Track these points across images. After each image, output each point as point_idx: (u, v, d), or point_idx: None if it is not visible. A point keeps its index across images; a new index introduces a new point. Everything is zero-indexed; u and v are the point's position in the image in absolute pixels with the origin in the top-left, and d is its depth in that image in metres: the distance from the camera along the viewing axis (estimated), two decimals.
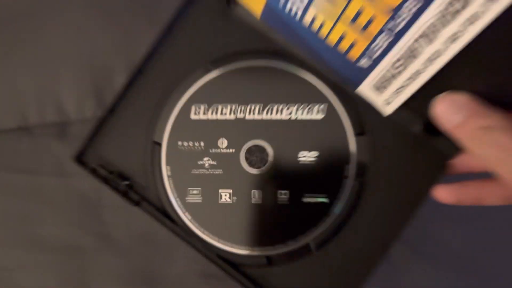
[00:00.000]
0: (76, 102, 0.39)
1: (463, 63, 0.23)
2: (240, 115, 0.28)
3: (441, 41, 0.23)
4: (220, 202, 0.28)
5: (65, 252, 0.36)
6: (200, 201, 0.28)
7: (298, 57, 0.28)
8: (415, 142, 0.27)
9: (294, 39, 0.27)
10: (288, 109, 0.28)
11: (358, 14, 0.24)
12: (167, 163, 0.28)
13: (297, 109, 0.28)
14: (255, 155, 0.28)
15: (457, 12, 0.22)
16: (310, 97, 0.28)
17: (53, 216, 0.37)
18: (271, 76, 0.28)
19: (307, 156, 0.28)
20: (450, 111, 0.24)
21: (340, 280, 0.28)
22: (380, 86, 0.26)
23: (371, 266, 0.27)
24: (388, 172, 0.28)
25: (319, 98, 0.28)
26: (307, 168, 0.28)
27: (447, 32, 0.22)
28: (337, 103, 0.28)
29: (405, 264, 0.35)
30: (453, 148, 0.26)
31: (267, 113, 0.28)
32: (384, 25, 0.23)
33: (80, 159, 0.29)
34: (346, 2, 0.24)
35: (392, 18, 0.23)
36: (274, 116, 0.28)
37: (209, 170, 0.28)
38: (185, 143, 0.28)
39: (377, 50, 0.24)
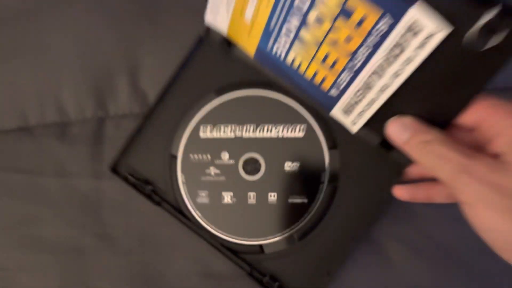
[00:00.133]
0: (77, 103, 0.39)
1: (405, 93, 0.29)
2: (238, 134, 0.36)
3: (388, 77, 0.29)
4: (223, 202, 0.35)
5: (66, 252, 0.36)
6: (207, 201, 0.35)
7: (284, 87, 0.35)
8: (376, 155, 0.34)
9: (280, 74, 0.34)
10: (276, 128, 0.35)
11: (326, 57, 0.30)
12: (182, 172, 0.36)
13: (283, 129, 0.35)
14: (250, 165, 0.35)
15: (397, 55, 0.28)
16: (293, 119, 0.35)
17: (54, 216, 0.37)
18: (262, 103, 0.35)
19: (291, 166, 0.35)
20: (399, 131, 0.29)
21: (318, 264, 0.34)
22: (347, 110, 0.33)
23: (345, 254, 0.34)
24: (356, 178, 0.34)
25: (300, 120, 0.35)
26: (291, 175, 0.35)
27: (391, 70, 0.28)
28: (314, 123, 0.35)
29: (405, 264, 0.35)
30: (406, 159, 0.33)
31: (259, 131, 0.35)
32: (345, 65, 0.30)
33: (114, 169, 0.37)
34: (316, 48, 0.31)
35: (351, 59, 0.29)
36: (265, 134, 0.35)
37: (214, 177, 0.36)
38: (196, 156, 0.36)
39: (342, 83, 0.31)
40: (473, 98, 0.27)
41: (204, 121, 0.36)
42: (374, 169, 0.34)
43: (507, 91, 0.36)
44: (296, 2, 0.28)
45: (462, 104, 0.28)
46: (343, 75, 0.30)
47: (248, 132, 0.35)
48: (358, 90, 0.30)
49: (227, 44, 0.36)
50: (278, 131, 0.35)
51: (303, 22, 0.29)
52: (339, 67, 0.30)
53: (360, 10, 0.27)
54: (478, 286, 0.35)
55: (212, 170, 0.36)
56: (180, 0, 0.39)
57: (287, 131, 0.35)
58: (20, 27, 0.40)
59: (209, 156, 0.36)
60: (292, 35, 0.30)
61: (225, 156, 0.36)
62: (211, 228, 0.35)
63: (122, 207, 0.37)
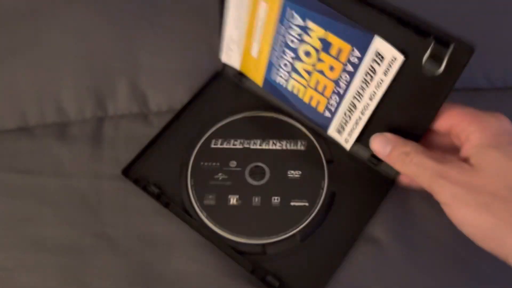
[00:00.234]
0: (76, 103, 0.39)
1: (382, 112, 0.34)
2: (246, 146, 0.40)
3: (366, 99, 0.33)
4: (229, 204, 0.37)
5: (65, 252, 0.36)
6: (214, 203, 0.37)
7: (287, 110, 0.41)
8: (368, 165, 0.39)
9: (284, 100, 0.41)
10: (280, 142, 0.40)
11: (317, 83, 0.37)
12: (191, 177, 0.38)
13: (286, 143, 0.40)
14: (256, 172, 0.39)
15: (369, 81, 0.32)
16: (296, 136, 0.40)
17: (53, 216, 0.36)
18: (269, 122, 0.41)
19: (294, 174, 0.39)
20: (381, 145, 0.33)
21: (318, 264, 0.35)
22: (340, 129, 0.38)
23: (344, 254, 0.36)
24: (351, 185, 0.38)
25: (302, 137, 0.40)
26: (294, 182, 0.38)
27: (367, 93, 0.33)
28: (314, 141, 0.40)
29: (405, 264, 0.35)
30: (393, 169, 0.38)
31: (265, 145, 0.40)
32: (333, 90, 0.36)
33: (126, 173, 0.39)
34: (309, 76, 0.37)
35: (336, 85, 0.35)
36: (270, 147, 0.40)
37: (222, 182, 0.38)
38: (206, 163, 0.39)
39: (332, 106, 0.37)
40: (435, 115, 0.32)
41: (216, 135, 0.40)
42: (366, 178, 0.38)
43: (507, 91, 0.40)
44: (289, 40, 0.35)
45: (428, 120, 0.32)
46: (332, 99, 0.37)
47: (255, 145, 0.40)
48: (345, 112, 0.36)
49: (240, 76, 0.42)
50: (282, 145, 0.40)
51: (296, 56, 0.36)
52: (328, 92, 0.36)
53: (336, 44, 0.32)
54: (478, 286, 0.34)
55: (220, 176, 0.38)
56: (179, 1, 0.44)
57: (290, 145, 0.40)
58: (20, 27, 0.42)
59: (218, 164, 0.39)
60: (289, 67, 0.37)
61: (233, 164, 0.39)
62: (216, 228, 0.36)
63: (122, 207, 0.37)
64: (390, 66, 0.30)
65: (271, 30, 0.36)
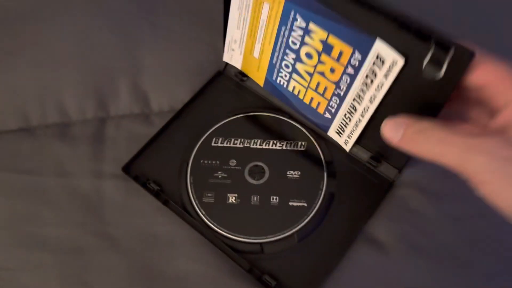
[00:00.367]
0: (77, 103, 0.40)
1: (382, 115, 0.33)
2: (246, 145, 0.40)
3: (366, 101, 0.33)
4: (227, 202, 0.38)
5: (66, 252, 0.36)
6: (212, 201, 0.38)
7: (288, 110, 0.41)
8: (367, 167, 0.39)
9: (284, 100, 0.41)
10: (280, 142, 0.40)
11: (318, 85, 0.37)
12: (191, 174, 0.39)
13: (286, 143, 0.40)
14: (256, 171, 0.39)
15: (370, 83, 0.32)
16: (296, 136, 0.40)
17: (55, 216, 0.37)
18: (270, 122, 0.41)
19: (293, 174, 0.39)
20: (393, 131, 0.28)
21: (315, 264, 0.35)
22: (340, 131, 0.38)
23: (340, 255, 0.36)
24: (350, 188, 0.38)
25: (302, 137, 0.40)
26: (293, 182, 0.38)
27: (367, 95, 0.33)
28: (314, 142, 0.40)
29: (405, 264, 0.35)
30: (393, 173, 0.38)
31: (265, 145, 0.40)
32: (333, 92, 0.36)
33: (126, 169, 0.39)
34: (310, 78, 0.37)
35: (336, 87, 0.35)
36: (270, 146, 0.40)
37: (221, 180, 0.38)
38: (206, 161, 0.39)
39: (333, 108, 0.37)
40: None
41: (217, 134, 0.40)
42: (366, 179, 0.38)
43: None
44: (290, 41, 0.36)
45: None
46: (332, 100, 0.37)
47: (255, 144, 0.40)
48: (345, 114, 0.36)
49: (241, 76, 0.43)
50: (282, 145, 0.40)
51: (297, 57, 0.36)
52: (328, 94, 0.37)
53: (337, 47, 0.32)
54: (478, 286, 0.34)
55: (220, 174, 0.39)
56: (180, 2, 0.44)
57: (290, 145, 0.40)
58: (21, 28, 0.42)
59: (218, 162, 0.39)
60: (290, 68, 0.38)
61: (232, 162, 0.39)
62: (214, 226, 0.37)
63: (123, 206, 0.38)
64: (391, 69, 0.30)
65: (273, 31, 0.36)
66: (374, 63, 0.31)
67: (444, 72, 0.28)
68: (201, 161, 0.39)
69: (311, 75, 0.36)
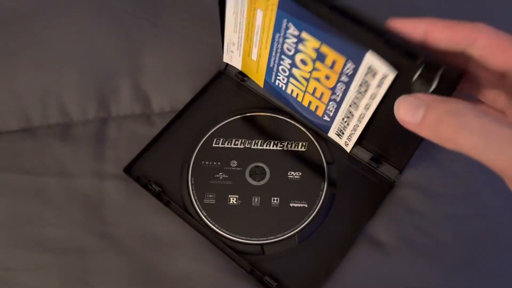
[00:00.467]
0: (79, 104, 0.40)
1: (378, 120, 0.34)
2: (247, 146, 0.40)
3: (362, 108, 0.33)
4: (228, 203, 0.38)
5: (68, 252, 0.36)
6: (214, 202, 0.38)
7: (288, 111, 0.41)
8: (367, 168, 0.39)
9: (284, 102, 0.41)
10: (281, 143, 0.40)
11: (314, 90, 0.36)
12: (192, 175, 0.39)
13: (287, 144, 0.40)
14: (257, 172, 0.39)
15: (364, 92, 0.31)
16: (297, 137, 0.40)
17: (56, 216, 0.37)
18: (270, 122, 0.41)
19: (294, 175, 0.39)
20: (410, 110, 0.23)
21: (316, 266, 0.35)
22: (339, 133, 0.38)
23: (341, 256, 0.36)
24: (351, 188, 0.38)
25: (303, 138, 0.40)
26: (294, 183, 0.38)
27: (363, 103, 0.32)
28: (315, 142, 0.40)
29: (405, 263, 0.35)
30: (394, 173, 0.38)
31: (266, 145, 0.40)
32: (330, 97, 0.35)
33: (128, 171, 0.39)
34: (306, 83, 0.36)
35: (333, 93, 0.35)
36: (271, 147, 0.40)
37: (222, 181, 0.39)
38: (207, 162, 0.39)
39: (331, 112, 0.37)
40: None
41: (217, 134, 0.40)
42: (367, 180, 0.38)
43: None
44: (285, 47, 0.35)
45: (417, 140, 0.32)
46: (330, 105, 0.36)
47: (256, 145, 0.40)
48: (343, 118, 0.36)
49: (242, 76, 0.43)
50: (283, 146, 0.40)
51: (292, 63, 0.36)
52: (325, 98, 0.36)
53: (331, 56, 0.32)
54: (479, 286, 0.34)
55: (221, 175, 0.39)
56: (181, 2, 0.44)
57: (291, 146, 0.40)
58: (22, 28, 0.42)
59: (219, 163, 0.39)
60: (287, 72, 0.37)
61: (233, 163, 0.39)
62: (215, 227, 0.37)
63: (124, 207, 0.38)
64: (383, 81, 0.30)
65: (268, 36, 0.35)
66: (366, 74, 0.31)
67: (433, 90, 0.27)
68: (202, 162, 0.39)
69: (307, 80, 0.36)
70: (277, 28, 0.34)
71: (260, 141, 0.40)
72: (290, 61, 0.36)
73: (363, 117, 0.34)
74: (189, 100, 0.42)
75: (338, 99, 0.35)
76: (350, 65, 0.31)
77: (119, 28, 0.44)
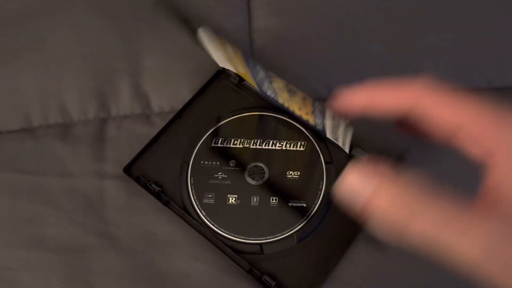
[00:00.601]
0: (79, 104, 0.40)
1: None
2: (246, 145, 0.40)
3: (342, 131, 0.33)
4: (228, 203, 0.38)
5: (68, 251, 0.36)
6: (213, 202, 0.38)
7: (287, 111, 0.41)
8: None
9: (280, 105, 0.40)
10: (280, 143, 0.40)
11: (300, 109, 0.35)
12: (191, 175, 0.39)
13: (286, 143, 0.40)
14: (256, 172, 0.39)
15: (338, 126, 0.32)
16: (295, 136, 0.40)
17: (56, 216, 0.37)
18: (270, 122, 0.41)
19: (293, 174, 0.39)
20: (359, 185, 0.20)
21: (315, 265, 0.35)
22: (334, 139, 0.38)
23: (339, 255, 0.36)
24: None
25: (302, 137, 0.40)
26: (292, 183, 0.39)
27: (341, 129, 0.33)
28: (314, 142, 0.40)
29: (405, 263, 0.35)
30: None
31: (265, 145, 0.40)
32: (314, 119, 0.35)
33: (127, 171, 0.39)
34: (291, 103, 0.36)
35: (315, 117, 0.34)
36: (270, 147, 0.40)
37: (221, 181, 0.39)
38: (206, 162, 0.39)
39: (320, 126, 0.36)
40: None
41: (217, 134, 0.41)
42: None
43: (507, 90, 0.41)
44: (259, 78, 0.35)
45: None
46: (317, 123, 0.36)
47: (255, 144, 0.40)
48: (332, 132, 0.36)
49: (240, 76, 0.43)
50: (281, 145, 0.40)
51: (272, 88, 0.36)
52: (311, 119, 0.36)
53: (299, 94, 0.31)
54: (479, 285, 0.35)
55: (220, 175, 0.39)
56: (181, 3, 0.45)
57: (290, 146, 0.40)
58: (23, 29, 0.42)
59: (218, 163, 0.39)
60: (272, 90, 0.37)
61: (232, 163, 0.39)
62: (214, 226, 0.37)
63: (124, 206, 0.38)
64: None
65: (243, 65, 0.35)
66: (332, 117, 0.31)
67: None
68: (201, 162, 0.39)
69: (290, 101, 0.36)
70: (247, 63, 0.33)
71: (259, 141, 0.40)
72: (270, 86, 0.35)
73: (347, 135, 0.34)
74: (189, 99, 0.42)
75: (320, 122, 0.35)
76: (317, 104, 0.31)
77: (119, 29, 0.44)
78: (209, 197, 0.38)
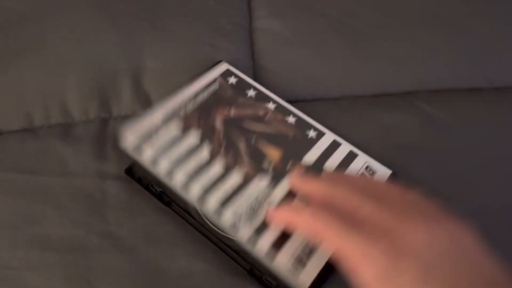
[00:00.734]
0: (80, 104, 0.40)
1: None
2: None
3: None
4: None
5: (70, 251, 0.36)
6: None
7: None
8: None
9: None
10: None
11: None
12: None
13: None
14: None
15: None
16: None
17: (58, 216, 0.37)
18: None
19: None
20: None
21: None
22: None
23: None
24: None
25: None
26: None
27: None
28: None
29: None
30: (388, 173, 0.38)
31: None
32: None
33: (129, 172, 0.39)
34: None
35: None
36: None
37: None
38: None
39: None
40: None
41: None
42: None
43: (507, 90, 0.41)
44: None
45: None
46: None
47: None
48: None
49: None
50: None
51: None
52: None
53: None
54: None
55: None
56: (181, 4, 0.44)
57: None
58: (25, 30, 0.42)
59: None
60: None
61: None
62: (215, 227, 0.37)
63: (126, 206, 0.38)
64: None
65: None
66: None
67: None
68: None
69: None
70: None
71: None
72: None
73: None
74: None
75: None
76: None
77: (121, 29, 0.44)
78: None
